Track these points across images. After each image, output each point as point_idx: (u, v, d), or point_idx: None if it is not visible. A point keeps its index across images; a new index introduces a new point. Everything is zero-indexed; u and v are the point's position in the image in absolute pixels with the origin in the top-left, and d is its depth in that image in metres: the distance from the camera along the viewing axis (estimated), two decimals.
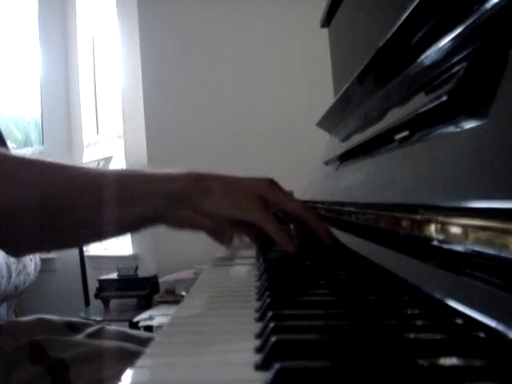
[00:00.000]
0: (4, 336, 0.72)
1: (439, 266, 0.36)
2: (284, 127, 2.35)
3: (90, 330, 0.79)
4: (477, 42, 0.38)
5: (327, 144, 1.08)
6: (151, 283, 2.19)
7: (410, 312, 0.34)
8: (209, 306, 0.44)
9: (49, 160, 0.59)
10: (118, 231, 0.66)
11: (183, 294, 1.91)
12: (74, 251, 2.64)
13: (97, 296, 2.23)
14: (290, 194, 0.67)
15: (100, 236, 0.68)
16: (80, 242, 0.62)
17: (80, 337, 0.76)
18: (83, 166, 0.62)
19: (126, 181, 0.61)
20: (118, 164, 2.69)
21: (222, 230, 0.72)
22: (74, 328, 0.79)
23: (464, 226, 0.32)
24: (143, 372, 0.28)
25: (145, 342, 0.72)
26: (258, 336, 0.32)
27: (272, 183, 0.66)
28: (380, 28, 0.65)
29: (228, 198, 0.62)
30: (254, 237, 0.71)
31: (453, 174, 0.35)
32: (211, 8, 2.42)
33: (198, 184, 0.62)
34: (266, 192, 0.64)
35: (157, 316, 1.80)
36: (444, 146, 0.39)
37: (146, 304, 2.12)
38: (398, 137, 0.51)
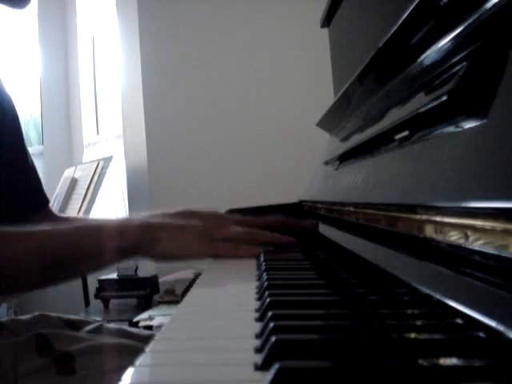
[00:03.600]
0: (6, 333, 0.73)
1: (439, 265, 0.36)
2: (284, 127, 2.35)
3: (89, 327, 0.79)
4: (477, 41, 0.38)
5: (327, 144, 1.08)
6: (151, 283, 2.18)
7: (410, 312, 0.34)
8: (209, 306, 0.44)
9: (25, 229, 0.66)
10: (89, 273, 0.76)
11: (183, 293, 1.90)
12: None
13: (97, 296, 2.23)
14: (233, 222, 0.74)
15: (70, 279, 0.75)
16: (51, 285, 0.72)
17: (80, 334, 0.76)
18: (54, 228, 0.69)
19: (82, 238, 0.68)
20: (118, 164, 2.69)
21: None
22: (74, 326, 0.79)
23: (464, 226, 0.32)
24: (143, 371, 0.28)
25: (144, 340, 0.73)
26: (258, 336, 0.32)
27: (215, 224, 0.72)
28: (380, 28, 0.65)
29: (175, 244, 0.69)
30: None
31: (453, 174, 0.35)
32: (211, 8, 2.42)
33: (147, 235, 0.68)
34: (211, 231, 0.70)
35: (157, 316, 1.79)
36: (444, 146, 0.39)
37: (145, 304, 2.12)
38: (397, 137, 0.51)
